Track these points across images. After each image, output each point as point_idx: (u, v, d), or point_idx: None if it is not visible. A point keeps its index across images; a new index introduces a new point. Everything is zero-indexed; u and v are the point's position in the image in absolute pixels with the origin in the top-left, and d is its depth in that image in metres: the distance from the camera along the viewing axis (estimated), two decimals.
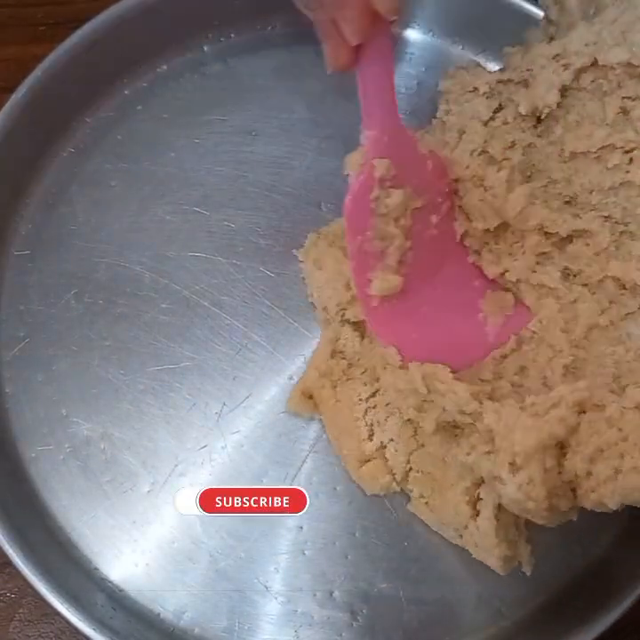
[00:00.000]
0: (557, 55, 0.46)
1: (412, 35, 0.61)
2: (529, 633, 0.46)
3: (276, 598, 0.47)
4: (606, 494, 0.38)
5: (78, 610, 0.43)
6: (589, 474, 0.39)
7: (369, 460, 0.48)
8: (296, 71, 0.59)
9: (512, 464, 0.40)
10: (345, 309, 0.50)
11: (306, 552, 0.48)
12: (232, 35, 0.60)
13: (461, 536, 0.46)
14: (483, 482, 0.45)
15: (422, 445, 0.48)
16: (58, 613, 0.44)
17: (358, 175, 0.44)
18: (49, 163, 0.56)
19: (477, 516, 0.45)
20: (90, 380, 0.51)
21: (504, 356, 0.48)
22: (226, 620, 0.46)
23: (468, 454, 0.44)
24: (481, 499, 0.45)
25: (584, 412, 0.41)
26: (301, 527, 0.48)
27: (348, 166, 0.44)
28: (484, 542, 0.45)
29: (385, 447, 0.48)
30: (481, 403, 0.43)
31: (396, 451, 0.48)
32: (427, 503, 0.47)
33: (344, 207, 0.45)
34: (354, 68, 0.43)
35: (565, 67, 0.46)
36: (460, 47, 0.61)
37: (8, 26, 0.64)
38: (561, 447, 0.40)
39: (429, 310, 0.48)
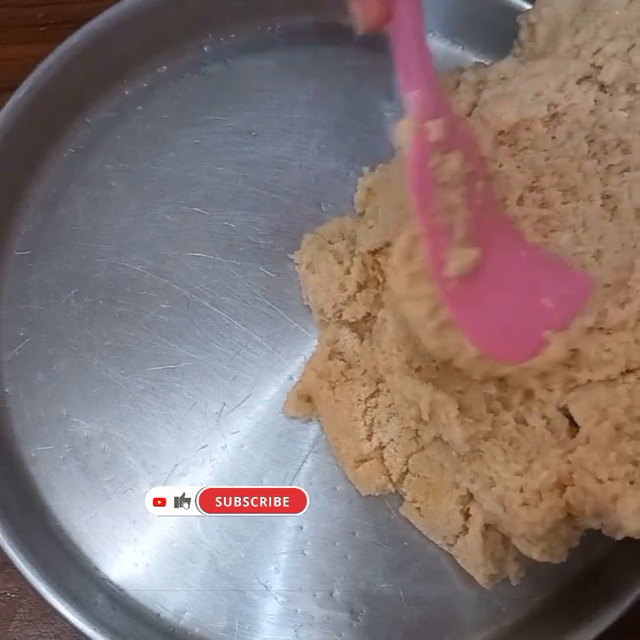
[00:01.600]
0: (480, 82, 0.47)
1: None
2: (529, 633, 0.46)
3: (276, 598, 0.47)
4: (629, 533, 0.39)
5: (78, 610, 0.43)
6: (604, 525, 0.40)
7: (366, 461, 0.48)
8: (296, 71, 0.59)
9: (524, 537, 0.41)
10: (341, 310, 0.50)
11: (306, 552, 0.48)
12: (232, 35, 0.60)
13: (450, 544, 0.46)
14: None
15: (422, 448, 0.48)
16: (58, 613, 0.44)
17: (413, 143, 0.39)
18: (49, 163, 0.56)
19: (467, 523, 0.45)
20: (90, 380, 0.51)
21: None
22: (226, 619, 0.46)
23: (473, 482, 0.44)
24: (470, 506, 0.45)
25: (569, 487, 0.41)
26: (301, 527, 0.48)
27: (399, 136, 0.40)
28: (471, 559, 0.45)
29: (384, 447, 0.48)
30: (477, 446, 0.43)
31: (396, 451, 0.48)
32: (419, 508, 0.47)
33: (407, 182, 0.40)
34: (385, 25, 0.39)
35: (477, 93, 0.47)
36: (460, 48, 0.61)
37: (8, 26, 0.64)
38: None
39: (501, 286, 0.44)
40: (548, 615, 0.46)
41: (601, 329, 0.43)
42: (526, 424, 0.44)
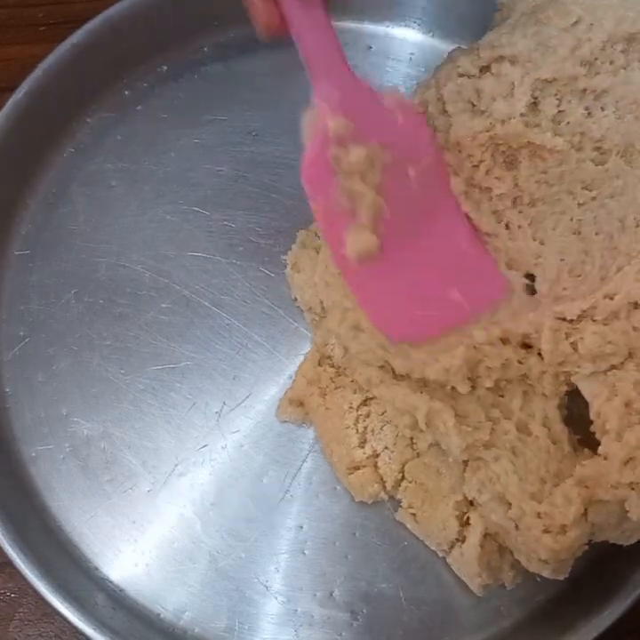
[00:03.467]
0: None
1: (413, 35, 0.61)
2: (529, 633, 0.46)
3: (276, 598, 0.47)
4: None
5: (78, 610, 0.43)
6: (623, 531, 0.41)
7: (358, 468, 0.48)
8: (296, 71, 0.59)
9: (544, 561, 0.41)
10: None
11: (306, 552, 0.48)
12: (232, 35, 0.60)
13: (444, 550, 0.46)
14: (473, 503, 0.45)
15: (418, 455, 0.47)
16: (58, 613, 0.44)
17: (312, 137, 0.41)
18: (49, 163, 0.56)
19: (464, 531, 0.45)
20: (90, 380, 0.51)
21: (506, 374, 0.45)
22: (226, 619, 0.46)
23: (480, 492, 0.43)
24: (470, 515, 0.45)
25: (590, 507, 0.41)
26: (301, 527, 0.48)
27: (304, 129, 0.41)
28: (467, 569, 0.45)
29: (378, 455, 0.48)
30: (476, 454, 0.43)
31: (390, 459, 0.47)
32: (414, 514, 0.47)
33: (300, 171, 0.42)
34: (287, 28, 0.40)
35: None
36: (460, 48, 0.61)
37: (8, 26, 0.64)
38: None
39: (411, 272, 0.44)
40: (547, 615, 0.46)
41: (595, 321, 0.42)
42: (529, 434, 0.44)
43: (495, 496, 0.42)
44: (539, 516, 0.41)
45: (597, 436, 0.41)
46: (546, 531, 0.40)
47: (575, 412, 0.45)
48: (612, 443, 0.40)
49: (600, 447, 0.40)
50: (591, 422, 0.42)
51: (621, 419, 0.40)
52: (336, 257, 0.43)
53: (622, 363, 0.42)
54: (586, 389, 0.42)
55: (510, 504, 0.42)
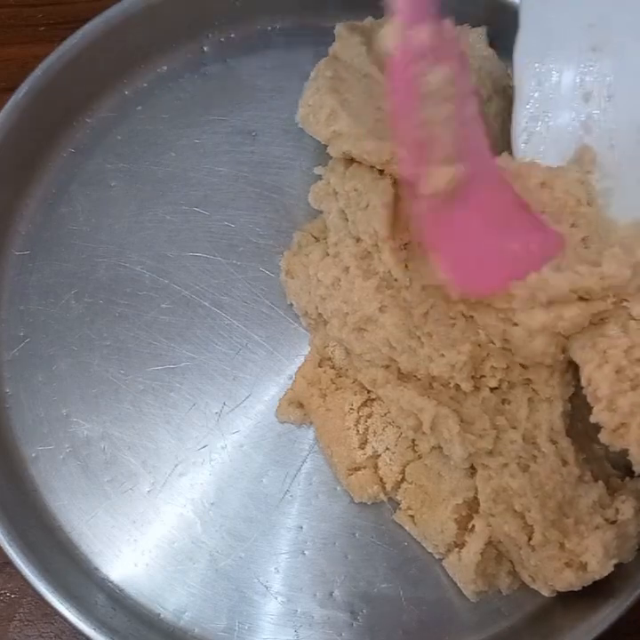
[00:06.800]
0: None
1: None
2: (529, 633, 0.46)
3: (276, 598, 0.47)
4: None
5: (78, 610, 0.43)
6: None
7: (358, 469, 0.47)
8: (296, 71, 0.59)
9: (551, 585, 0.42)
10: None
11: (306, 552, 0.48)
12: (232, 35, 0.60)
13: (441, 553, 0.46)
14: (477, 506, 0.45)
15: (419, 457, 0.47)
16: (58, 613, 0.44)
17: (395, 49, 0.38)
18: (49, 163, 0.56)
19: (463, 536, 0.45)
20: (90, 380, 0.51)
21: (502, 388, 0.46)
22: (226, 619, 0.46)
23: (495, 502, 0.43)
24: (468, 517, 0.45)
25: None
26: (301, 527, 0.48)
27: (383, 40, 0.38)
28: (463, 574, 0.45)
29: (379, 456, 0.48)
30: (480, 461, 0.44)
31: (391, 460, 0.47)
32: (412, 516, 0.47)
33: (386, 88, 0.39)
34: None
35: None
36: None
37: (8, 26, 0.64)
38: None
39: (477, 219, 0.42)
40: (547, 615, 0.46)
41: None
42: (536, 447, 0.44)
43: (510, 508, 0.43)
44: (562, 547, 0.41)
45: (589, 400, 0.40)
46: (568, 565, 0.41)
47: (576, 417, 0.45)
48: (603, 410, 0.39)
49: (591, 416, 0.40)
50: (591, 428, 0.42)
51: (612, 385, 0.39)
52: (413, 196, 0.41)
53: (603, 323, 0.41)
54: (577, 356, 0.42)
55: (524, 518, 0.42)
